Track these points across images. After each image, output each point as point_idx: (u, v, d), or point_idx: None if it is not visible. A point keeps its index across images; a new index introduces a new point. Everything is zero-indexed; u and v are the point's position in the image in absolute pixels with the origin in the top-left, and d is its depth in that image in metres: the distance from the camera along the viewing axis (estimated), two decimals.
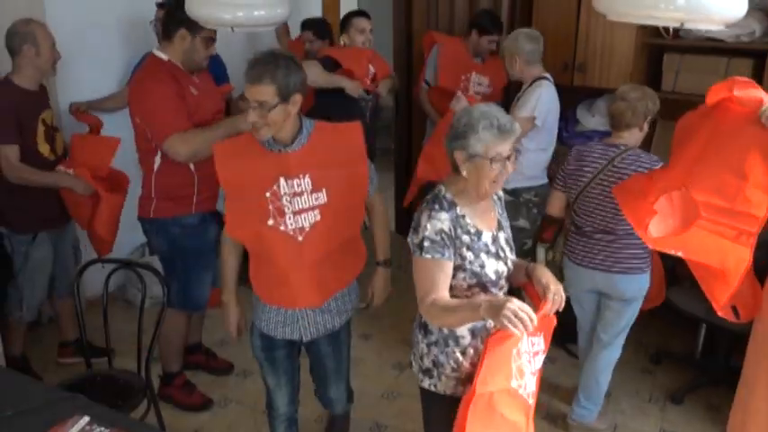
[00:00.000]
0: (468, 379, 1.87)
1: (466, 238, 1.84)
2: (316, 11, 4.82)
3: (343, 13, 5.13)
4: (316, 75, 3.31)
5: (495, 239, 1.91)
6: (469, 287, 1.87)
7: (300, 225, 2.09)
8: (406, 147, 4.73)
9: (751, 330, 2.38)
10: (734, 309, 2.26)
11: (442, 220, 1.81)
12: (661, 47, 3.49)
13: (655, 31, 3.30)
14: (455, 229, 1.82)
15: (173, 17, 2.62)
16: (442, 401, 1.94)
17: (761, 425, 2.28)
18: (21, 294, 3.06)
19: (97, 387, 2.44)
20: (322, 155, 2.08)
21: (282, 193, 2.06)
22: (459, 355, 1.90)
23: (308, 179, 2.07)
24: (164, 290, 2.47)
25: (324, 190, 2.08)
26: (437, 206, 1.84)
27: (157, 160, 2.69)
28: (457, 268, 1.84)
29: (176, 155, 2.59)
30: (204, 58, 2.73)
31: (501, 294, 1.92)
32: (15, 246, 3.00)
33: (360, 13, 3.64)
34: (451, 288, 1.84)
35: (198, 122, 2.63)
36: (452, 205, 1.85)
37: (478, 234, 1.87)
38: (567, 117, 3.92)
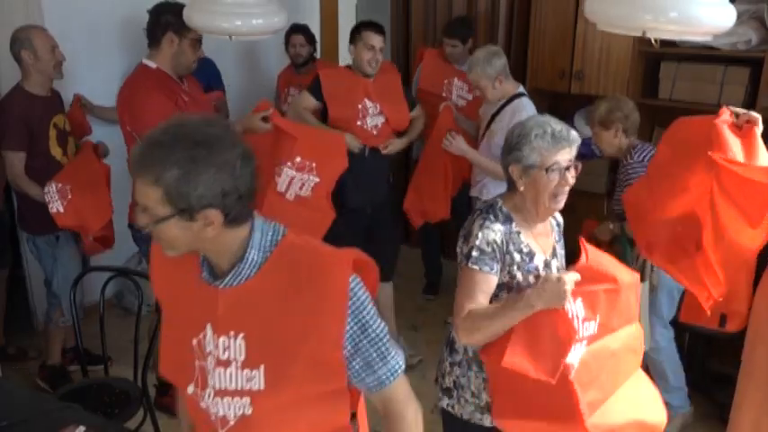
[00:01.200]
0: (487, 408, 1.78)
1: (517, 256, 1.73)
2: (314, 19, 4.81)
3: (342, 22, 5.16)
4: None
5: (547, 265, 1.79)
6: None
7: (222, 413, 1.26)
8: (403, 154, 4.72)
9: (730, 337, 2.36)
10: (722, 317, 2.22)
11: (495, 231, 1.69)
12: (658, 55, 3.50)
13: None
14: (507, 244, 1.71)
15: (157, 22, 2.62)
16: (459, 425, 1.85)
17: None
18: (59, 299, 3.05)
19: (93, 396, 2.43)
20: (274, 303, 1.21)
21: (207, 350, 1.26)
22: (481, 380, 1.79)
23: (240, 343, 1.22)
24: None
25: (261, 368, 1.21)
26: (492, 216, 1.72)
27: None
28: (503, 286, 1.73)
29: None
30: (193, 60, 2.73)
31: None
32: (42, 249, 3.00)
33: (372, 25, 3.13)
34: None
35: None
36: (508, 219, 1.74)
37: (531, 255, 1.75)
38: None
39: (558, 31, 3.69)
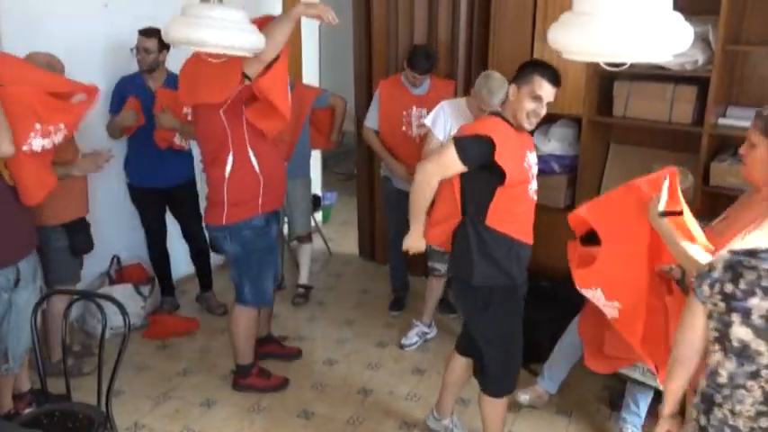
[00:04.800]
0: None
1: None
2: None
3: (306, 42, 5.20)
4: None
5: None
6: None
7: None
8: (368, 172, 4.78)
9: None
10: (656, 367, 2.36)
11: None
12: (612, 74, 3.64)
13: None
14: None
15: None
16: None
17: None
18: (4, 345, 2.72)
19: (56, 422, 2.38)
20: None
21: None
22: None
23: None
24: (237, 289, 3.04)
25: None
26: None
27: (229, 161, 2.82)
28: None
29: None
30: None
31: None
32: None
33: (550, 70, 2.39)
34: None
35: None
36: None
37: None
38: None
39: (516, 54, 3.78)
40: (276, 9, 4.78)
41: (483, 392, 2.61)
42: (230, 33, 2.42)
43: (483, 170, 2.34)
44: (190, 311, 4.13)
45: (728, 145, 3.47)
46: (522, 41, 3.75)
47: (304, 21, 5.04)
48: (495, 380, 2.58)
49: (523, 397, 3.14)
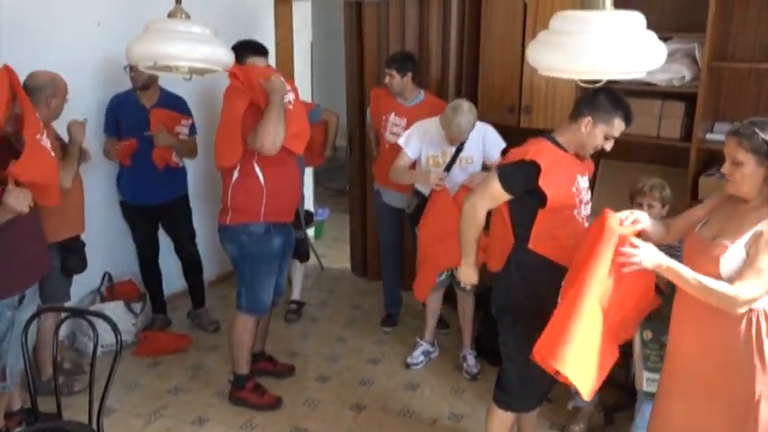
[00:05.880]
0: None
1: None
2: (269, 59, 4.84)
3: (298, 58, 5.22)
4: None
5: None
6: None
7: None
8: (360, 187, 4.79)
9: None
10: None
11: None
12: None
13: None
14: None
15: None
16: None
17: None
18: (3, 362, 2.68)
19: None
20: None
21: None
22: None
23: None
24: (236, 294, 3.13)
25: None
26: None
27: (235, 174, 3.03)
28: None
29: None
30: None
31: None
32: (1, 313, 2.61)
33: (628, 109, 2.33)
34: None
35: None
36: None
37: None
38: None
39: (507, 68, 3.83)
40: (268, 16, 4.82)
41: (493, 402, 2.60)
42: (200, 47, 2.43)
43: (526, 193, 2.32)
44: (182, 328, 4.12)
45: (716, 159, 3.50)
46: (512, 51, 3.79)
47: (297, 35, 5.12)
48: (509, 396, 2.56)
49: (576, 428, 3.11)
